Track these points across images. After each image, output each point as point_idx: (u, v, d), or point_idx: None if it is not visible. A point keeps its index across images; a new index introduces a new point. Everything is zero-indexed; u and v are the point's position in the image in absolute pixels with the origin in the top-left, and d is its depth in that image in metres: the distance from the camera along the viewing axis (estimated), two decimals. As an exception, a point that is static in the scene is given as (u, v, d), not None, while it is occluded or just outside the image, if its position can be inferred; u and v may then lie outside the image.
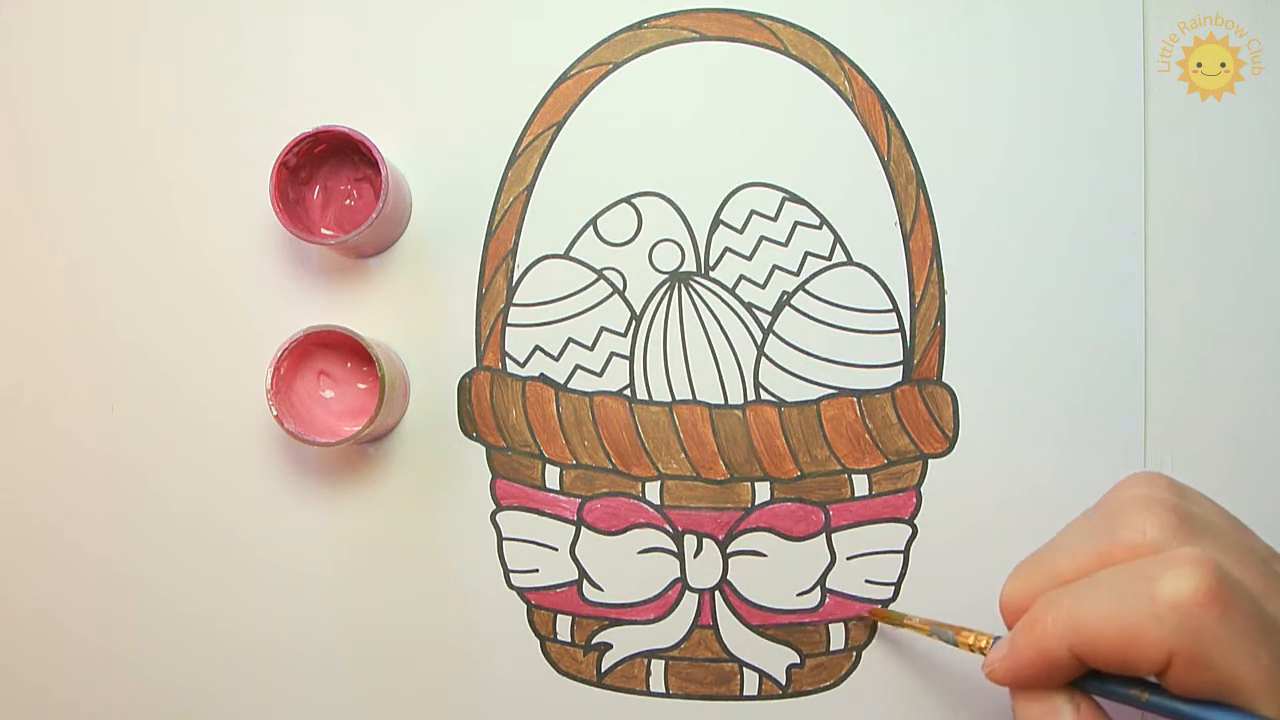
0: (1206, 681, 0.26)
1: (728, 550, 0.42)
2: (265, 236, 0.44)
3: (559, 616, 0.43)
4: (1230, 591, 0.26)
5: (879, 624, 0.42)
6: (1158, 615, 0.26)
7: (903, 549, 0.42)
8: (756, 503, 0.42)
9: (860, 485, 0.42)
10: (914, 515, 0.42)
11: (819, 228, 0.43)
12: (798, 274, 0.43)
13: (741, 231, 0.43)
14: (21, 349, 0.45)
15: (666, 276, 0.43)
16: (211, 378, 0.44)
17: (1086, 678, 0.29)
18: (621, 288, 0.43)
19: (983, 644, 0.34)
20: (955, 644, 0.36)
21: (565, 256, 0.44)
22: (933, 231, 0.43)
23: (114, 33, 0.45)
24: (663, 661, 0.43)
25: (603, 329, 0.43)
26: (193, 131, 0.45)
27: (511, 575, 0.43)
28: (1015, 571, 0.31)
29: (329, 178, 0.44)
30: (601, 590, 0.43)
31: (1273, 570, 0.28)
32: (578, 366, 0.43)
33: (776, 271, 0.43)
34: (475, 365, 0.44)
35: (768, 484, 0.42)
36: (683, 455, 0.43)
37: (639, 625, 0.43)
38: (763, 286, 0.43)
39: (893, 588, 0.42)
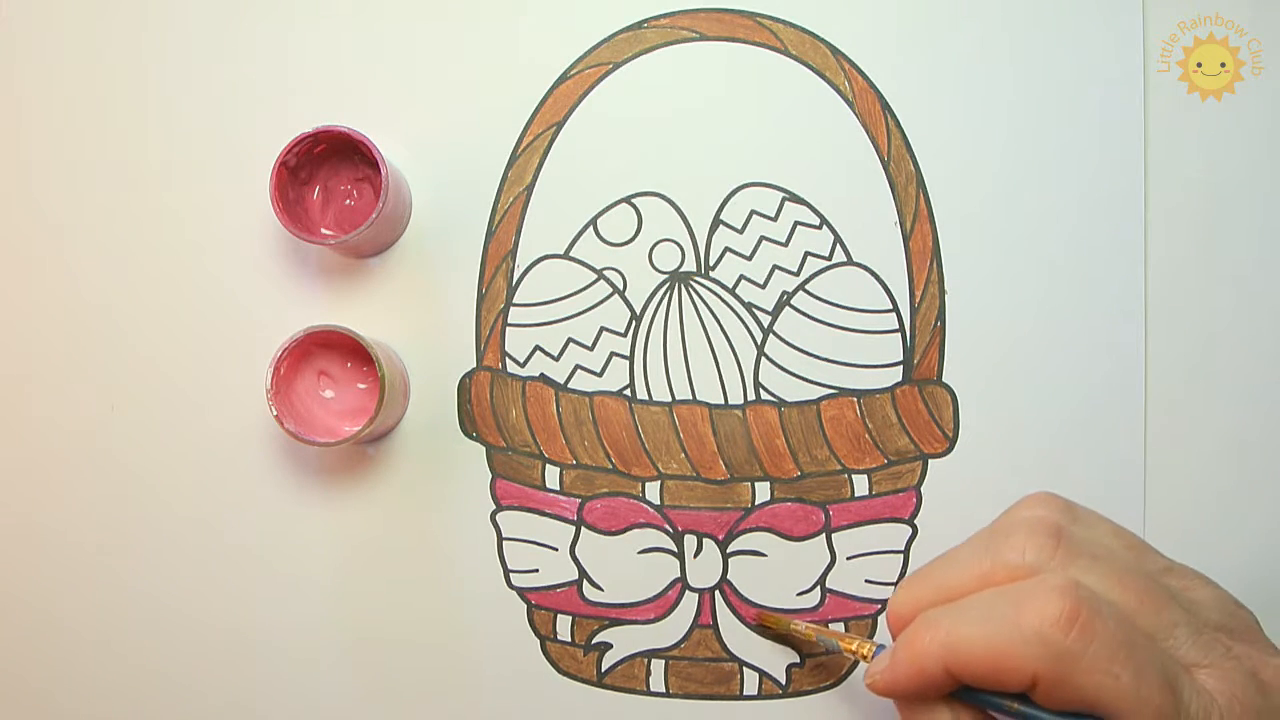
0: (1072, 699, 0.27)
1: (728, 550, 0.42)
2: (265, 236, 0.44)
3: (559, 616, 0.43)
4: (1091, 615, 0.27)
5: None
6: (1023, 639, 0.27)
7: (903, 549, 0.42)
8: (756, 503, 0.42)
9: (860, 485, 0.42)
10: (914, 515, 0.42)
11: (819, 228, 0.43)
12: (798, 274, 0.43)
13: (741, 231, 0.43)
14: (21, 349, 0.45)
15: (666, 276, 0.43)
16: (211, 378, 0.44)
17: (964, 689, 0.30)
18: (621, 288, 0.43)
19: (865, 651, 0.35)
20: (840, 651, 0.37)
21: (565, 256, 0.44)
22: (933, 231, 0.43)
23: (114, 33, 0.45)
24: (663, 661, 0.43)
25: (603, 329, 0.43)
26: (193, 132, 0.45)
27: (511, 575, 0.43)
28: (904, 583, 0.32)
29: (329, 178, 0.44)
30: (601, 590, 0.43)
31: (1158, 585, 0.29)
32: (578, 366, 0.43)
33: (776, 271, 0.43)
34: (475, 365, 0.44)
35: (768, 484, 0.42)
36: (683, 455, 0.43)
37: (639, 625, 0.43)
38: (763, 286, 0.43)
39: (893, 588, 0.42)
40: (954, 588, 0.30)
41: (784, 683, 0.42)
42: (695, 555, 0.43)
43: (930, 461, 0.42)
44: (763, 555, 0.42)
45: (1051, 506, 0.31)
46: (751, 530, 0.42)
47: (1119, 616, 0.27)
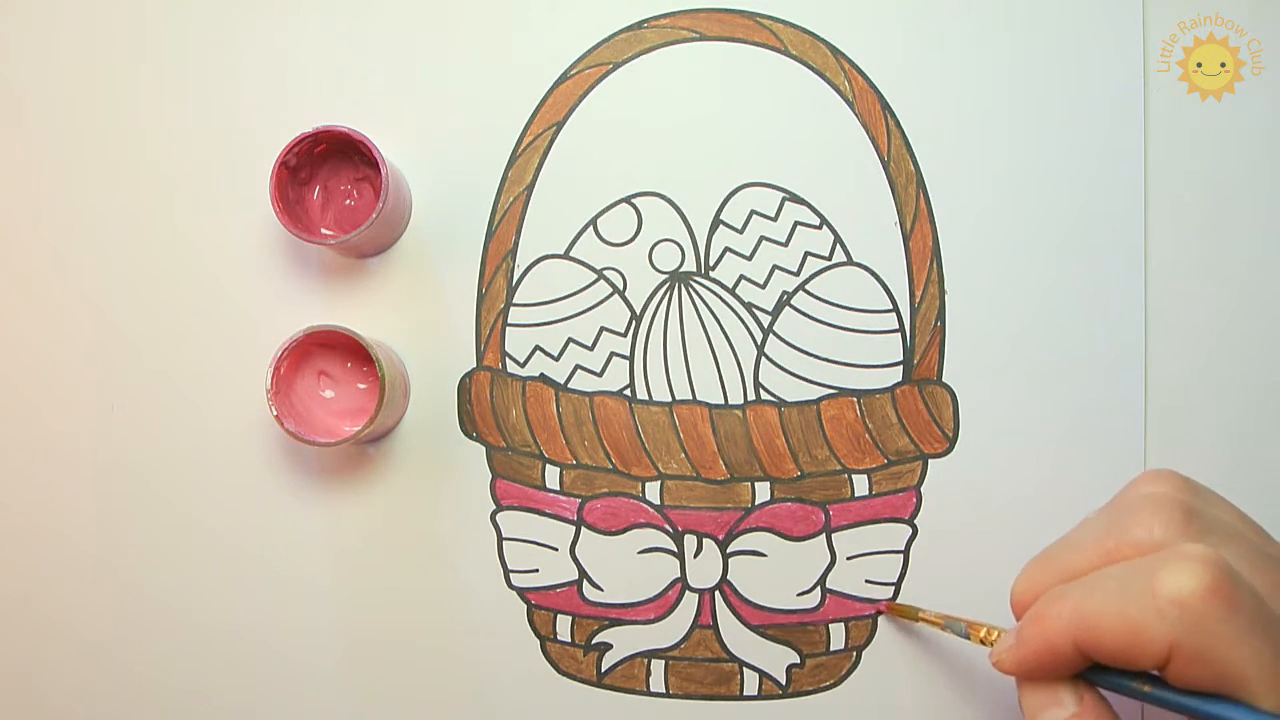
0: (1207, 675, 0.26)
1: (728, 550, 0.42)
2: (265, 236, 0.44)
3: (559, 616, 0.43)
4: (1233, 588, 0.26)
5: (884, 618, 0.42)
6: (1160, 611, 0.26)
7: (903, 549, 0.42)
8: (756, 503, 0.42)
9: (860, 485, 0.42)
10: (914, 515, 0.42)
11: (819, 228, 0.43)
12: (798, 274, 0.43)
13: (742, 231, 0.43)
14: (21, 349, 0.45)
15: (666, 276, 0.43)
16: (211, 378, 0.44)
17: (1091, 669, 0.29)
18: (621, 288, 0.43)
19: (993, 637, 0.35)
20: (968, 637, 0.36)
21: (565, 256, 0.44)
22: (933, 231, 0.43)
23: (114, 33, 0.45)
24: (663, 661, 0.43)
25: (603, 329, 0.43)
26: (193, 131, 0.45)
27: (511, 575, 0.43)
28: (1027, 568, 0.31)
29: (329, 178, 0.44)
30: (601, 590, 0.43)
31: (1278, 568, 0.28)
32: (578, 366, 0.43)
33: (776, 271, 0.43)
34: (475, 365, 0.44)
35: (768, 484, 0.42)
36: (683, 455, 0.43)
37: (639, 625, 0.43)
38: (763, 286, 0.43)
39: (893, 588, 0.42)
40: (1078, 567, 0.29)
41: (784, 683, 0.42)
42: (695, 555, 0.43)
43: (930, 461, 0.42)
44: (763, 555, 0.42)
45: (1174, 484, 0.30)
46: (751, 530, 0.42)
47: (1258, 596, 0.26)
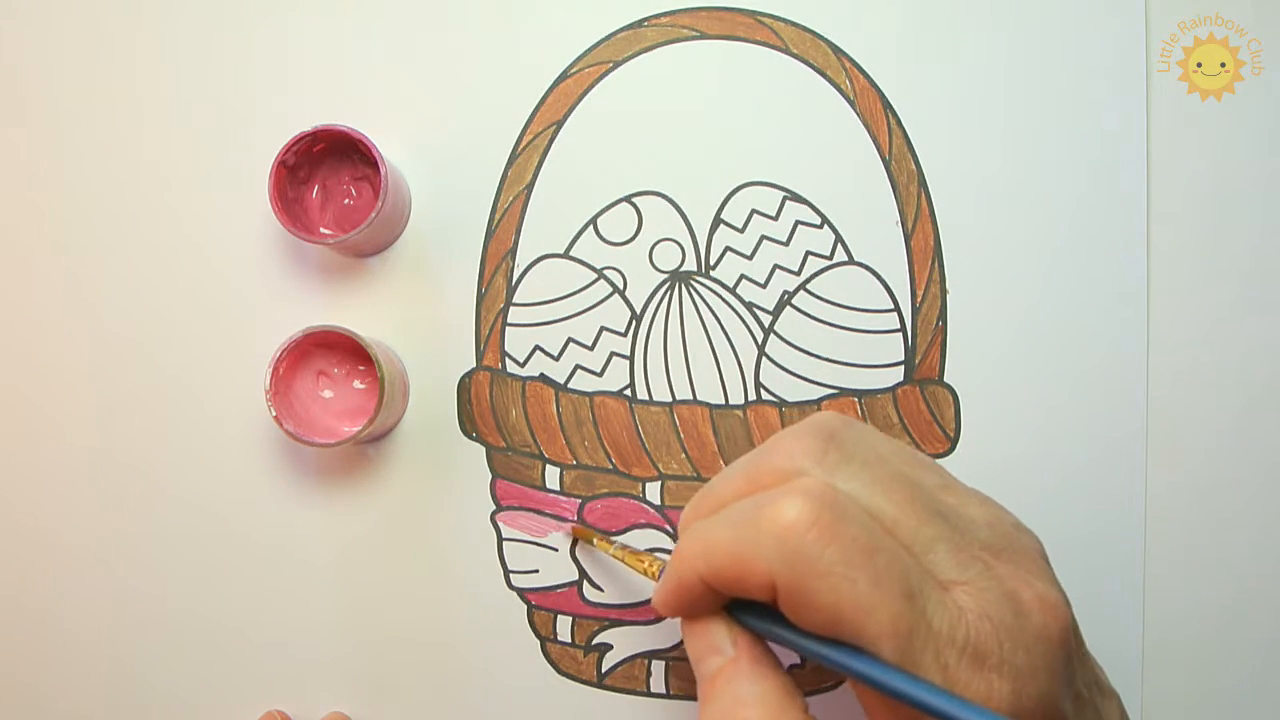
0: (809, 607, 0.26)
1: (728, 550, 0.42)
2: (264, 236, 0.44)
3: (559, 617, 0.43)
4: (835, 518, 0.25)
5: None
6: (761, 541, 0.26)
7: (904, 549, 0.42)
8: (757, 503, 0.42)
9: (861, 485, 0.42)
10: (915, 515, 0.42)
11: (820, 227, 0.43)
12: (799, 273, 0.43)
13: (742, 231, 0.43)
14: (21, 349, 0.45)
15: (667, 276, 0.43)
16: (210, 378, 0.44)
17: (745, 613, 0.29)
18: (622, 287, 0.43)
19: (655, 570, 0.35)
20: (636, 569, 0.36)
21: (565, 256, 0.43)
22: (934, 230, 0.43)
23: (113, 32, 0.45)
24: (663, 662, 0.42)
25: (603, 329, 0.43)
26: (192, 131, 0.45)
27: (511, 575, 0.43)
28: (692, 500, 0.31)
29: (328, 177, 0.44)
30: (601, 591, 0.43)
31: (927, 498, 0.28)
32: (578, 366, 0.43)
33: (777, 271, 0.43)
34: (475, 365, 0.43)
35: (769, 484, 0.42)
36: (683, 455, 0.43)
37: (639, 626, 0.43)
38: (764, 286, 0.43)
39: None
40: (727, 497, 0.29)
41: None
42: (696, 555, 0.42)
43: (932, 461, 0.42)
44: (764, 555, 0.42)
45: (834, 415, 0.30)
46: (752, 530, 0.42)
47: (868, 524, 0.26)
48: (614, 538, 0.41)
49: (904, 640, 0.25)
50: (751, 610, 0.28)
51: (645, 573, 0.36)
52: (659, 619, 0.42)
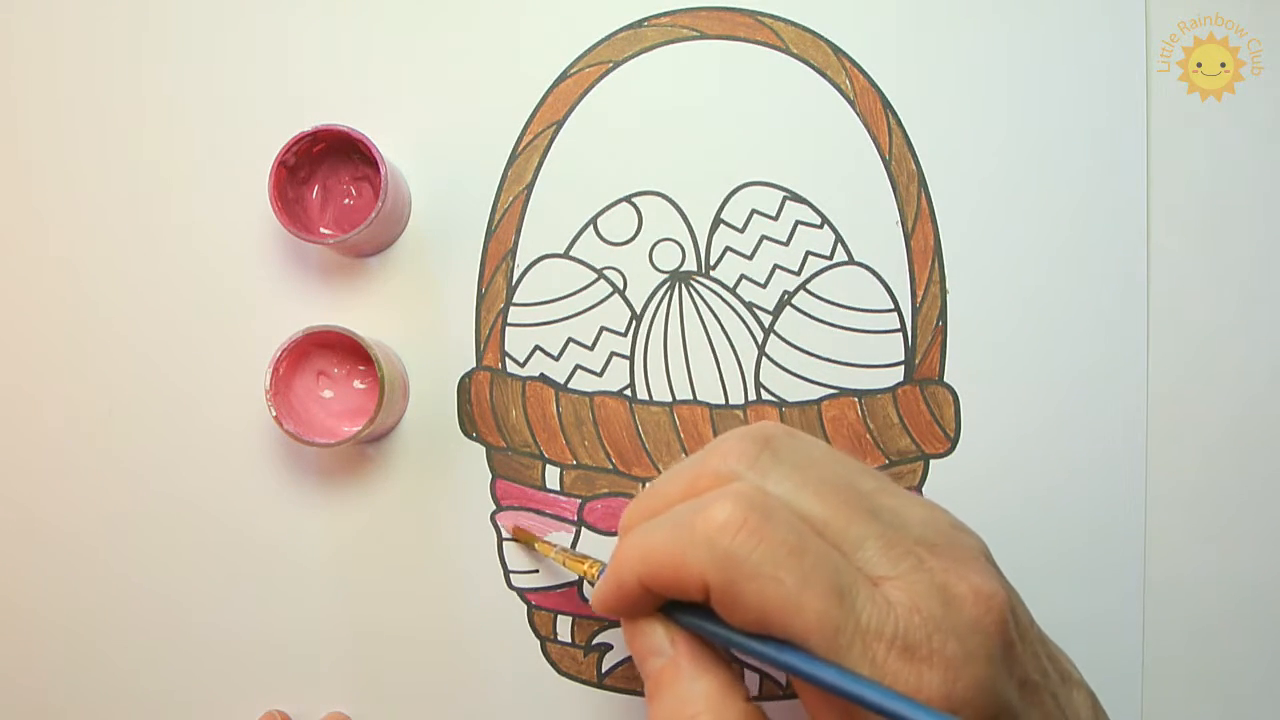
0: (740, 607, 0.26)
1: (728, 550, 0.42)
2: (264, 236, 0.44)
3: (559, 617, 0.43)
4: (761, 520, 0.26)
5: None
6: (694, 544, 0.26)
7: (904, 549, 0.42)
8: (757, 503, 0.42)
9: (861, 485, 0.42)
10: (915, 515, 0.42)
11: (820, 227, 0.43)
12: (799, 273, 0.43)
13: (742, 231, 0.43)
14: (20, 349, 0.45)
15: (667, 276, 0.43)
16: (210, 378, 0.44)
17: (682, 612, 0.29)
18: (622, 287, 0.43)
19: (594, 573, 0.35)
20: (577, 571, 0.37)
21: (565, 256, 0.43)
22: (934, 230, 0.43)
23: (113, 32, 0.45)
24: (663, 662, 0.42)
25: (603, 329, 0.43)
26: (192, 131, 0.45)
27: (511, 576, 0.43)
28: (632, 502, 0.31)
29: (328, 177, 0.44)
30: (591, 584, 0.43)
31: (858, 498, 0.28)
32: (578, 366, 0.43)
33: (777, 271, 0.43)
34: (475, 365, 0.43)
35: (769, 484, 0.42)
36: (683, 455, 0.43)
37: (639, 626, 0.43)
38: (764, 286, 0.43)
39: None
40: (668, 498, 0.30)
41: (784, 683, 0.42)
42: (696, 555, 0.42)
43: (932, 462, 0.42)
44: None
45: (775, 424, 0.30)
46: (752, 530, 0.42)
47: (796, 525, 0.27)
48: (551, 540, 0.41)
49: (830, 636, 0.25)
50: (688, 610, 0.29)
51: (585, 574, 0.36)
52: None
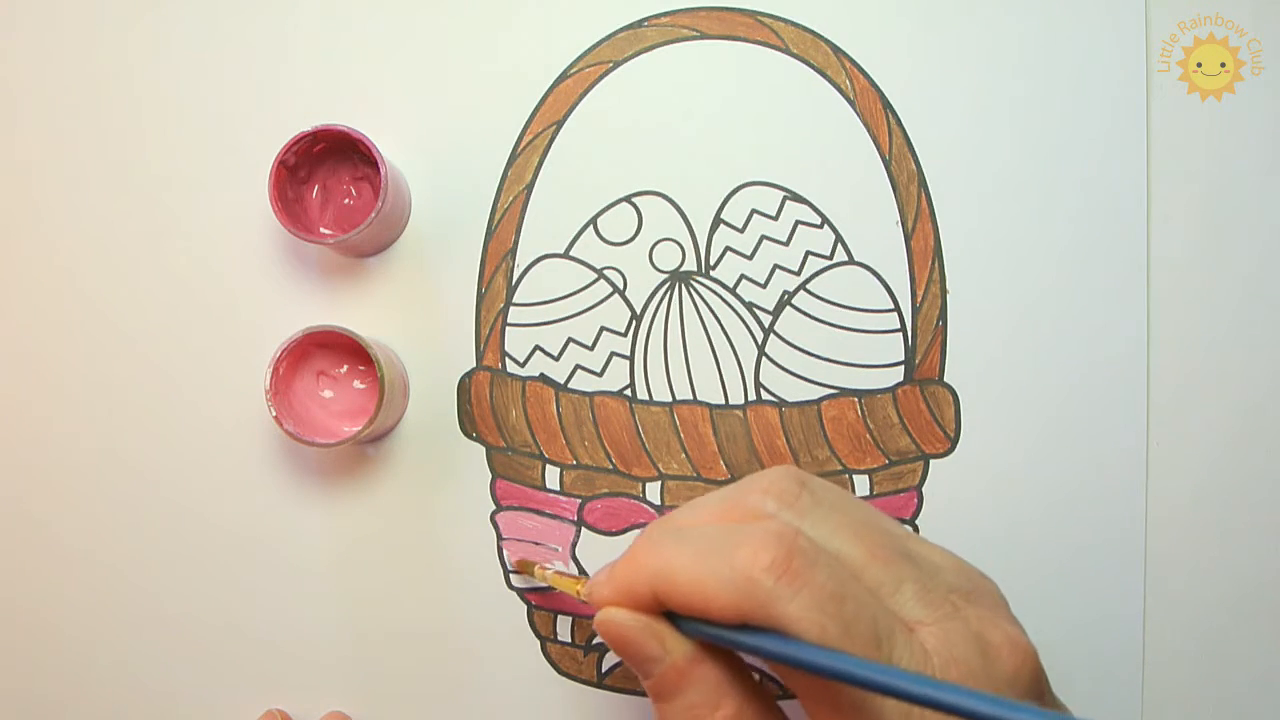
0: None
1: (728, 550, 0.42)
2: (264, 236, 0.44)
3: (559, 617, 0.43)
4: (805, 564, 0.26)
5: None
6: (731, 579, 0.26)
7: (904, 549, 0.42)
8: (757, 503, 0.42)
9: (861, 485, 0.42)
10: (915, 516, 0.42)
11: (820, 227, 0.43)
12: (799, 273, 0.43)
13: (742, 231, 0.43)
14: (20, 349, 0.45)
15: (667, 276, 0.43)
16: (210, 378, 0.44)
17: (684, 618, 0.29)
18: (622, 287, 0.43)
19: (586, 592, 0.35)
20: (571, 591, 0.37)
21: (565, 256, 0.43)
22: (934, 231, 0.43)
23: (112, 32, 0.45)
24: (663, 662, 0.42)
25: (603, 329, 0.43)
26: (191, 130, 0.45)
27: (511, 576, 0.43)
28: (651, 525, 0.31)
29: (328, 177, 0.44)
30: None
31: (894, 542, 0.29)
32: (578, 366, 0.43)
33: (777, 271, 0.43)
34: (475, 365, 0.43)
35: (769, 484, 0.42)
36: (683, 455, 0.43)
37: (639, 626, 0.43)
38: (764, 286, 0.43)
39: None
40: (697, 522, 0.30)
41: (782, 682, 0.42)
42: (696, 555, 0.42)
43: (932, 462, 0.42)
44: (764, 555, 0.42)
45: (791, 469, 0.31)
46: (752, 530, 0.42)
47: (837, 569, 0.27)
48: (545, 565, 0.41)
49: None
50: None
51: (578, 594, 0.35)
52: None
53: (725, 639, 0.28)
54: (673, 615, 0.29)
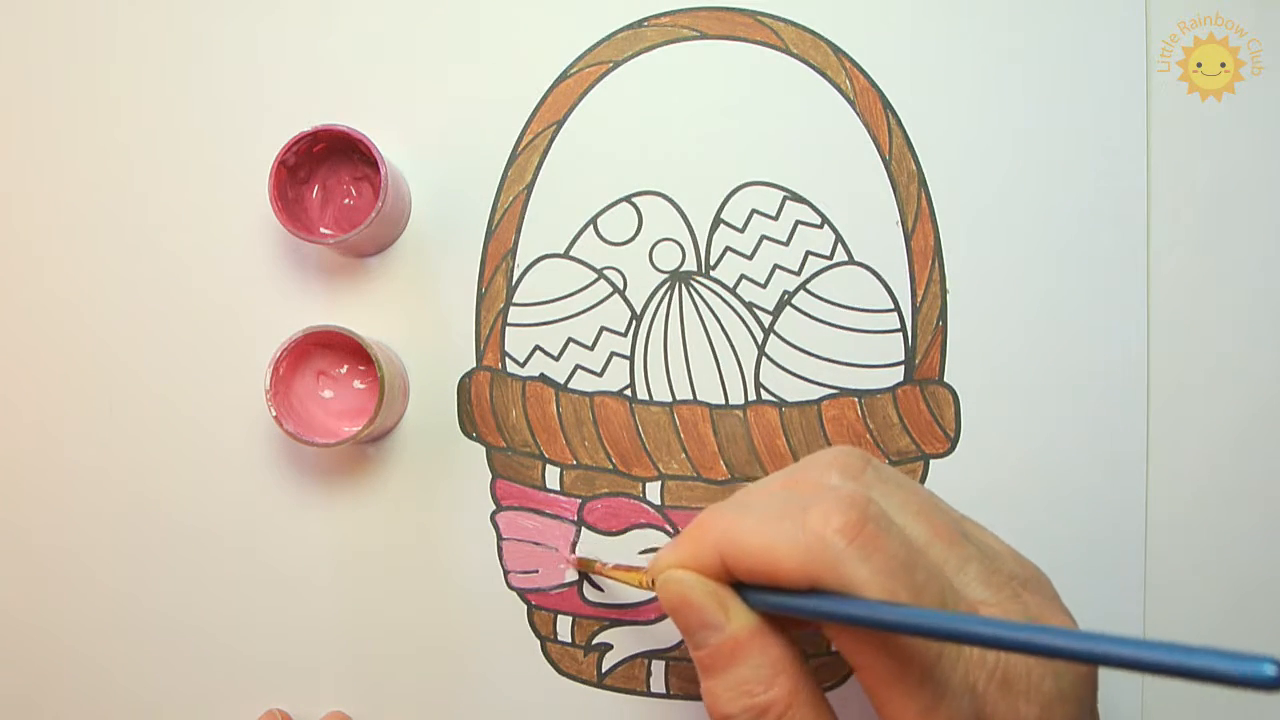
0: None
1: (728, 550, 0.42)
2: (264, 236, 0.44)
3: (559, 617, 0.43)
4: (878, 529, 0.26)
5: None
6: (799, 540, 0.26)
7: (904, 549, 0.42)
8: (757, 503, 0.42)
9: (861, 485, 0.42)
10: (915, 515, 0.42)
11: (820, 227, 0.43)
12: (799, 273, 0.43)
13: (742, 231, 0.43)
14: (20, 349, 0.45)
15: (667, 276, 0.43)
16: (210, 378, 0.44)
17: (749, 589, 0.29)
18: (622, 287, 0.43)
19: (647, 581, 0.35)
20: (631, 584, 0.37)
21: (565, 256, 0.43)
22: (934, 230, 0.43)
23: (112, 32, 0.45)
24: (663, 662, 0.42)
25: (603, 329, 0.43)
26: (191, 131, 0.45)
27: (511, 575, 0.43)
28: (710, 506, 0.31)
29: (328, 177, 0.44)
30: (601, 591, 0.43)
31: (956, 524, 0.29)
32: (578, 366, 0.43)
33: (777, 271, 0.43)
34: (475, 365, 0.43)
35: (769, 484, 0.42)
36: (683, 455, 0.43)
37: (639, 626, 0.43)
38: (764, 286, 0.43)
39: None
40: (758, 495, 0.30)
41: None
42: (696, 555, 0.42)
43: (932, 462, 0.42)
44: (764, 555, 0.42)
45: (856, 449, 0.31)
46: (752, 530, 0.42)
47: (907, 540, 0.27)
48: (604, 561, 0.41)
49: (934, 658, 0.26)
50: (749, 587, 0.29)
51: (640, 583, 0.36)
52: (660, 618, 0.42)
53: (794, 607, 0.27)
54: (738, 588, 0.29)
